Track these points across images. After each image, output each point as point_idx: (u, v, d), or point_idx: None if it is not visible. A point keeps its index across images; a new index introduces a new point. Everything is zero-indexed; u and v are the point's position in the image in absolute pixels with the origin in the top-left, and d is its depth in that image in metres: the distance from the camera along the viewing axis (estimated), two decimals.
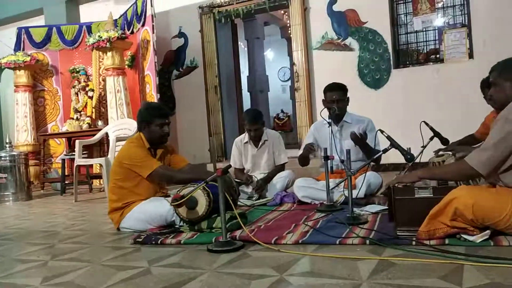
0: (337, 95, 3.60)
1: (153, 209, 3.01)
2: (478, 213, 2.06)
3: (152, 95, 6.27)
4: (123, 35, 6.43)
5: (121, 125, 5.89)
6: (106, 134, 6.00)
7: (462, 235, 2.16)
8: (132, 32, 6.86)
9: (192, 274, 2.03)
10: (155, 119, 3.14)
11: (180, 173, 3.19)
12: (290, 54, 9.05)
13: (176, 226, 2.94)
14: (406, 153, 2.71)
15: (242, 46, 11.57)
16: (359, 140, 3.37)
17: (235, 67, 7.90)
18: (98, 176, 6.52)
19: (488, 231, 2.12)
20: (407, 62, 6.07)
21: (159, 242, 2.68)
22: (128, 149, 3.14)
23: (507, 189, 2.15)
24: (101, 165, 5.35)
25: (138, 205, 3.08)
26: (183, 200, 2.67)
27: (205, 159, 6.92)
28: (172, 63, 7.46)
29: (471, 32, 5.48)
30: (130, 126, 5.59)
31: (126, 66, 6.87)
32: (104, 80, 6.97)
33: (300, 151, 3.79)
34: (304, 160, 3.71)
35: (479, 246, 2.07)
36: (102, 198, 5.24)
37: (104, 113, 7.07)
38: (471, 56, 5.48)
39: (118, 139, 5.26)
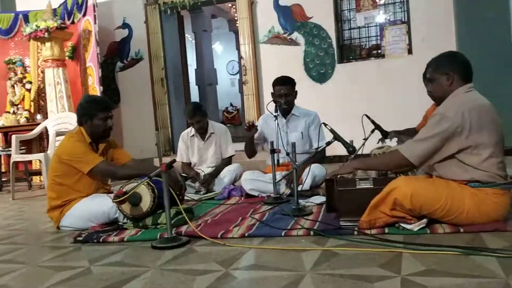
0: (285, 89, 3.63)
1: (95, 206, 2.90)
2: (416, 203, 2.16)
3: (95, 88, 6.03)
4: (63, 25, 6.12)
5: (61, 119, 5.63)
6: (46, 128, 5.72)
7: (401, 224, 2.25)
8: (72, 22, 6.55)
9: (134, 272, 1.98)
10: (97, 112, 3.02)
11: (123, 168, 3.09)
12: (238, 47, 9.02)
13: (120, 223, 2.85)
14: (348, 145, 2.79)
15: (190, 38, 11.41)
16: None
17: (182, 60, 7.76)
18: (38, 173, 6.20)
19: (425, 220, 2.22)
20: (351, 57, 6.22)
21: (101, 240, 2.58)
22: (68, 144, 3.00)
23: (444, 179, 2.25)
24: (40, 161, 5.10)
25: (79, 203, 2.96)
26: (126, 196, 2.59)
27: (152, 154, 6.77)
28: (116, 54, 7.21)
29: (410, 29, 5.70)
30: (71, 120, 5.35)
31: (67, 58, 6.55)
32: (43, 72, 6.62)
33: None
34: (250, 147, 3.69)
35: (417, 234, 2.17)
36: (42, 195, 4.99)
37: (43, 106, 6.72)
38: (410, 51, 5.71)
39: (59, 134, 5.03)
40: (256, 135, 3.77)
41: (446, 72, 2.32)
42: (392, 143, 3.81)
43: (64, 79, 6.21)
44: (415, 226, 2.22)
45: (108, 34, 7.08)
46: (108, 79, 7.11)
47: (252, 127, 3.54)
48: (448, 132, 2.17)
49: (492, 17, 5.10)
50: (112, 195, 2.93)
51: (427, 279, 1.61)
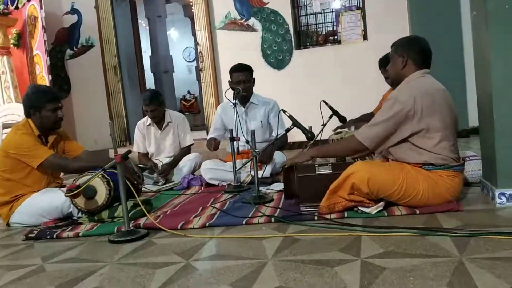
0: (243, 76, 3.59)
1: (47, 201, 2.77)
2: (373, 187, 2.19)
3: (43, 77, 5.75)
4: (6, 11, 5.79)
5: (8, 110, 5.36)
6: None
7: (360, 208, 2.29)
8: (16, 8, 6.19)
9: (91, 268, 1.91)
10: (46, 103, 2.86)
11: (75, 161, 2.97)
12: (194, 34, 8.84)
13: (74, 218, 2.74)
14: (307, 131, 2.80)
15: (143, 24, 11.08)
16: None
17: (135, 47, 7.52)
18: None
19: (382, 203, 2.27)
20: (308, 43, 6.24)
21: (54, 236, 2.48)
22: (15, 137, 2.84)
23: (399, 163, 2.31)
24: None
25: (29, 198, 2.82)
26: (80, 189, 2.48)
27: (107, 145, 6.56)
28: (65, 42, 6.89)
29: (365, 15, 5.78)
30: (18, 111, 5.09)
31: (12, 45, 6.21)
32: None
33: (208, 136, 3.76)
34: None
35: (375, 217, 2.21)
36: None
37: None
38: (365, 37, 5.79)
39: (5, 126, 4.78)
40: (214, 129, 3.74)
41: (402, 55, 2.36)
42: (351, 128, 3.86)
43: (10, 68, 5.89)
44: (373, 210, 2.26)
45: (56, 20, 6.76)
46: (57, 68, 6.80)
47: (212, 146, 3.53)
48: (400, 116, 2.21)
49: (444, 3, 5.24)
50: (64, 189, 2.82)
51: (385, 261, 1.64)
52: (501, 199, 2.19)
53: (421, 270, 1.52)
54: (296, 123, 2.79)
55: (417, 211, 2.21)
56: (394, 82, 2.52)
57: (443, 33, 5.12)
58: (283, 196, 2.87)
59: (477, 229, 1.86)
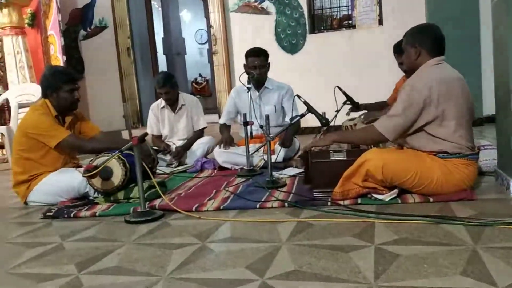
0: (258, 61, 3.58)
1: (64, 181, 2.82)
2: (387, 174, 2.20)
3: (57, 57, 5.78)
4: None
5: (23, 90, 5.39)
6: (7, 100, 5.46)
7: (373, 195, 2.30)
8: None
9: (109, 247, 1.95)
10: (63, 84, 2.89)
11: (92, 142, 3.00)
12: (206, 15, 8.79)
13: (90, 198, 2.79)
14: (321, 117, 2.80)
15: (156, 5, 11.02)
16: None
17: (148, 28, 7.51)
18: (0, 146, 5.96)
19: (396, 190, 2.28)
20: (322, 28, 6.19)
21: (71, 215, 2.53)
22: (33, 117, 2.87)
23: (413, 150, 2.31)
24: (2, 134, 4.90)
25: (47, 177, 2.87)
26: (97, 170, 2.52)
27: (120, 126, 6.62)
28: (79, 22, 6.90)
29: None
30: (34, 91, 5.13)
31: (26, 25, 6.21)
32: (1, 40, 6.27)
33: (221, 121, 3.80)
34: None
35: (388, 204, 2.23)
36: (6, 170, 4.82)
37: (3, 77, 6.39)
38: (381, 22, 5.72)
39: (21, 106, 4.82)
40: (230, 109, 3.75)
41: (414, 45, 2.34)
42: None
43: (24, 48, 5.91)
44: (386, 197, 2.27)
45: (69, 0, 6.75)
46: (71, 48, 6.82)
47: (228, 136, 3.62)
48: (418, 105, 2.20)
49: None
50: (81, 169, 2.87)
51: (399, 248, 1.66)
52: None
53: (435, 258, 1.54)
54: (311, 109, 2.79)
55: (431, 199, 2.22)
56: (409, 71, 2.51)
57: (459, 19, 5.03)
58: (296, 181, 2.89)
59: (492, 219, 1.86)
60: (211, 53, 6.80)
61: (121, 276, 1.63)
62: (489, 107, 4.91)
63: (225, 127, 3.75)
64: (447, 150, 2.23)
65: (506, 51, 2.22)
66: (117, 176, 2.65)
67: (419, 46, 2.32)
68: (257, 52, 3.60)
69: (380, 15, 5.70)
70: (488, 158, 2.66)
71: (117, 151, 2.49)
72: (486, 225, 1.80)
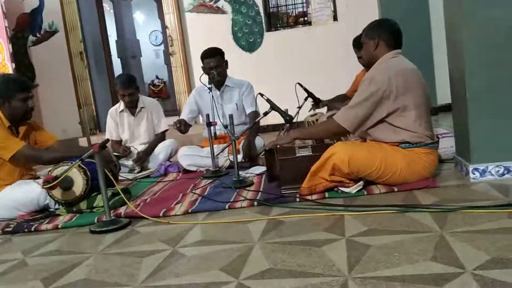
0: (214, 61, 3.54)
1: (22, 194, 2.69)
2: (353, 167, 2.24)
3: (6, 65, 5.52)
4: None
5: None
6: None
7: (340, 188, 2.33)
8: None
9: (76, 260, 1.88)
10: (16, 93, 2.76)
11: (49, 152, 2.88)
12: (161, 17, 8.64)
13: (51, 210, 2.68)
14: (285, 114, 2.81)
15: (108, 8, 10.73)
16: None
17: (101, 31, 7.30)
18: None
19: (361, 182, 2.32)
20: (278, 25, 6.22)
21: (32, 229, 2.42)
22: None
23: (377, 143, 2.36)
24: None
25: (2, 191, 2.73)
26: (57, 181, 2.42)
27: (76, 133, 6.40)
28: (27, 27, 6.61)
29: None
30: None
31: None
32: None
33: (181, 117, 3.72)
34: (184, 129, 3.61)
35: (355, 197, 2.27)
36: None
37: None
38: (335, 18, 5.82)
39: None
40: (189, 111, 3.69)
41: (373, 38, 2.42)
42: (323, 110, 3.91)
43: None
44: (353, 189, 2.31)
45: (16, 5, 6.45)
46: (20, 55, 6.52)
47: (185, 128, 3.49)
48: (377, 96, 2.26)
49: None
50: (39, 180, 2.75)
51: (370, 239, 1.69)
52: (474, 174, 2.28)
53: (404, 246, 1.58)
54: (274, 106, 2.79)
55: (395, 189, 2.27)
56: (368, 65, 2.57)
57: (411, 12, 5.18)
58: (263, 179, 2.89)
59: (454, 204, 1.93)
60: (167, 55, 6.71)
61: None
62: (442, 97, 5.10)
63: (182, 120, 3.59)
64: (408, 140, 2.29)
65: (459, 41, 2.30)
66: (79, 185, 2.56)
67: (377, 37, 2.40)
68: (211, 53, 3.56)
69: (335, 11, 5.79)
70: (446, 146, 2.76)
71: (77, 160, 2.39)
72: (450, 211, 1.87)
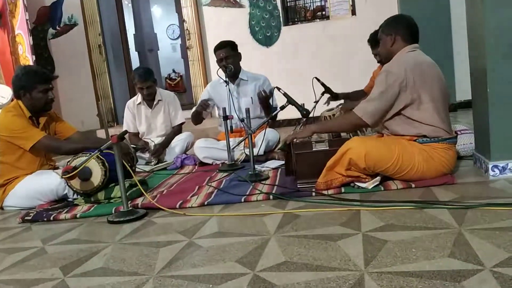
0: (224, 52, 3.54)
1: (41, 184, 2.74)
2: (369, 162, 2.22)
3: (27, 57, 5.61)
4: None
5: None
6: None
7: (356, 183, 2.32)
8: None
9: (94, 249, 1.91)
10: (36, 84, 2.81)
11: (68, 143, 2.93)
12: (178, 10, 8.66)
13: (70, 200, 2.73)
14: (302, 108, 2.80)
15: (126, 1, 10.80)
16: (266, 98, 3.39)
17: (120, 25, 7.36)
18: None
19: (378, 177, 2.31)
20: (296, 19, 6.19)
21: (51, 218, 2.46)
22: (6, 120, 2.78)
23: (394, 137, 2.34)
24: None
25: (23, 181, 2.79)
26: (76, 171, 2.46)
27: (94, 125, 6.49)
28: (47, 20, 6.70)
29: None
30: (3, 93, 4.97)
31: None
32: None
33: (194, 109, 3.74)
34: (197, 117, 3.60)
35: (372, 192, 2.25)
36: None
37: None
38: (354, 13, 5.76)
39: None
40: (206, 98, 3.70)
41: (390, 33, 2.42)
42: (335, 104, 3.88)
43: None
44: (369, 184, 2.30)
45: None
46: (40, 47, 6.62)
47: (207, 105, 3.51)
48: (394, 87, 2.25)
49: None
50: (58, 170, 2.80)
51: (386, 234, 1.68)
52: (494, 171, 2.24)
53: (422, 242, 1.56)
54: (291, 100, 2.79)
55: (413, 185, 2.25)
56: (386, 61, 2.55)
57: (431, 7, 5.11)
58: (278, 174, 2.89)
59: (473, 201, 1.91)
60: (184, 48, 6.72)
61: (108, 277, 1.60)
62: (461, 94, 5.02)
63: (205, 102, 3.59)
64: (425, 133, 2.27)
65: (480, 38, 2.26)
66: (97, 176, 2.60)
67: (394, 33, 2.40)
68: (220, 45, 3.57)
69: (353, 5, 5.73)
70: (465, 142, 2.72)
71: (96, 151, 2.43)
72: (469, 207, 1.84)
